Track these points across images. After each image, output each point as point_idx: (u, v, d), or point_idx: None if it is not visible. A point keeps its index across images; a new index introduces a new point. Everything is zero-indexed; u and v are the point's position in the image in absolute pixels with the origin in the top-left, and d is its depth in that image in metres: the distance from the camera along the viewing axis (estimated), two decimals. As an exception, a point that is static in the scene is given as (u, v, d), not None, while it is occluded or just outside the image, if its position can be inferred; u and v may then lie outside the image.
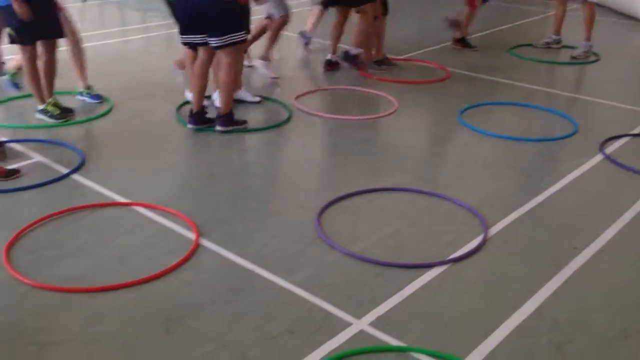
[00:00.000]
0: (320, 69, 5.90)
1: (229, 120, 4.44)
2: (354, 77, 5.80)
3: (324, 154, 4.42)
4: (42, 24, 4.25)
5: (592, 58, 6.53)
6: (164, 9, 5.10)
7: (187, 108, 4.63)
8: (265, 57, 5.62)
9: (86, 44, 5.02)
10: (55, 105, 4.50)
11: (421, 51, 6.70)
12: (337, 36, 5.93)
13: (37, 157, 3.95)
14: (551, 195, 3.64)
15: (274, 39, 5.60)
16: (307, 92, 5.36)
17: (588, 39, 6.49)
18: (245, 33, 4.31)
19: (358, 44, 5.86)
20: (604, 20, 7.95)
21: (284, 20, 5.52)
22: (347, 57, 5.85)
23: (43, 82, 4.47)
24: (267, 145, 4.43)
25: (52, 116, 4.48)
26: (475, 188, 3.74)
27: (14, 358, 2.30)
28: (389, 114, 4.89)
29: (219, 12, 4.11)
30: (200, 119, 4.47)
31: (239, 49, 4.35)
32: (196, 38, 4.27)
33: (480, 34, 7.15)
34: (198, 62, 4.37)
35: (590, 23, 6.42)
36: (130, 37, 7.33)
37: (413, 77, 5.78)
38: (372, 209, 3.48)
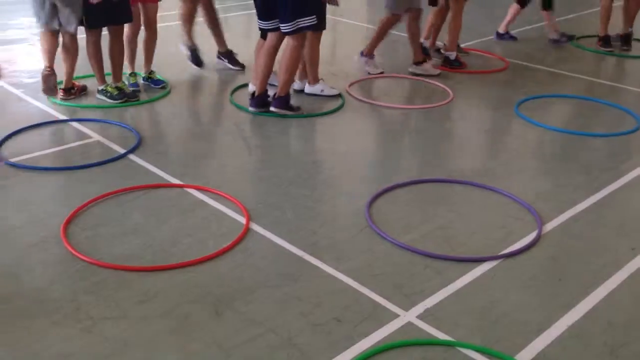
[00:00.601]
0: (375, 57, 5.83)
1: (284, 103, 4.45)
2: (409, 65, 5.72)
3: (376, 142, 4.38)
4: (112, 10, 4.32)
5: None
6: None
7: (241, 92, 4.66)
8: (368, 53, 5.46)
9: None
10: (117, 87, 4.60)
11: (479, 40, 6.55)
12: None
13: (95, 137, 4.05)
14: (610, 194, 3.52)
15: (378, 37, 5.40)
16: (361, 80, 5.32)
17: None
18: (315, 18, 4.22)
19: (452, 45, 5.61)
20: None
21: (389, 20, 5.28)
22: (448, 62, 5.61)
23: (109, 65, 4.55)
24: (320, 132, 4.42)
25: (111, 97, 4.58)
26: (531, 183, 3.65)
27: (69, 332, 2.37)
28: (444, 104, 4.82)
29: None
30: (261, 101, 4.47)
31: (304, 35, 4.31)
32: (268, 24, 4.29)
33: (543, 23, 6.92)
34: (265, 45, 4.40)
35: None
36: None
37: (470, 67, 5.66)
38: (424, 200, 3.44)
